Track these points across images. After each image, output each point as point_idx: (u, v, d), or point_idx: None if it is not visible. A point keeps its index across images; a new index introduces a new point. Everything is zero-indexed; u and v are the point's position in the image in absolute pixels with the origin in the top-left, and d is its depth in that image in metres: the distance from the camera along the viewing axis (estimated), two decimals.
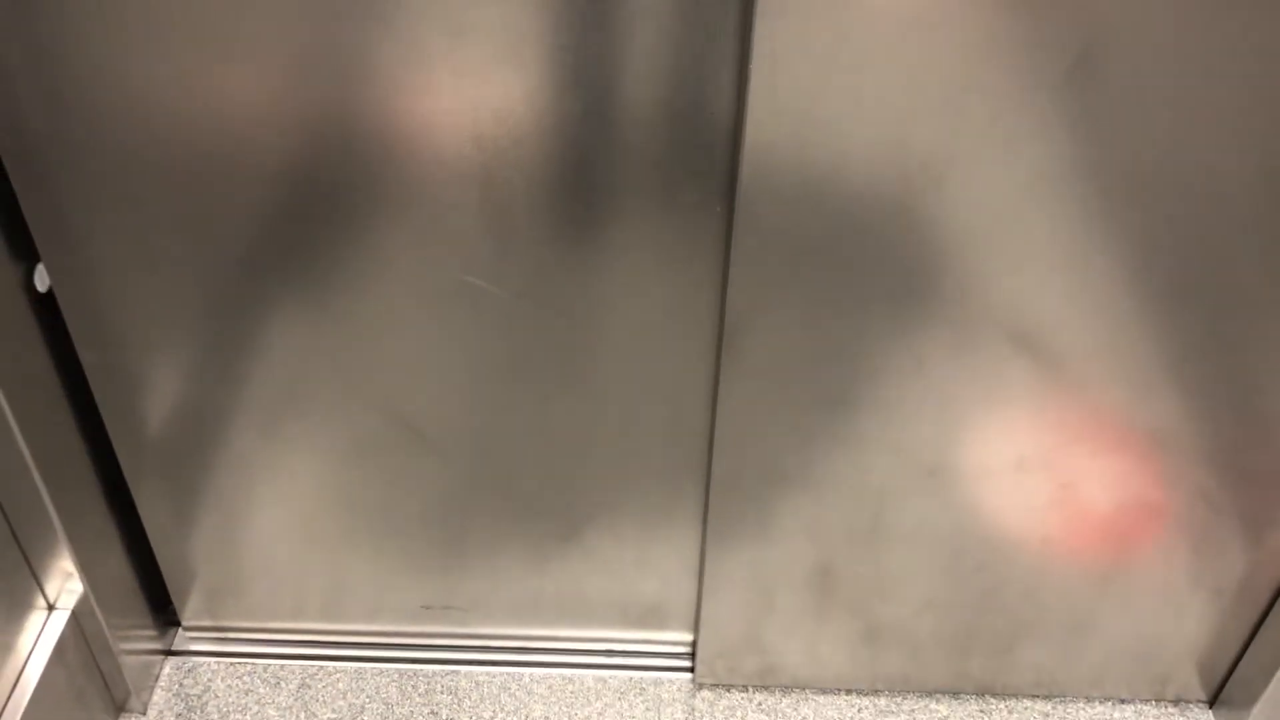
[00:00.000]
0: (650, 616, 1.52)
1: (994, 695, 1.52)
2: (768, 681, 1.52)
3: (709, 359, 1.22)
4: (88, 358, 1.24)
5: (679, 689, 1.52)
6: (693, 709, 1.50)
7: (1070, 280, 1.11)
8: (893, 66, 0.96)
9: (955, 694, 1.52)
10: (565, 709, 1.49)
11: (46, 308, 1.22)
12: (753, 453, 1.26)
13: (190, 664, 1.53)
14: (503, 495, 1.37)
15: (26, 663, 1.25)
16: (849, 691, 1.52)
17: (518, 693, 1.51)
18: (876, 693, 1.52)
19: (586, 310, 1.19)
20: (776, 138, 1.00)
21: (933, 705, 1.51)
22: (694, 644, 1.54)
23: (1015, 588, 1.37)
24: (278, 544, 1.42)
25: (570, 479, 1.35)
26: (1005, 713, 1.50)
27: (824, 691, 1.52)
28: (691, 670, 1.54)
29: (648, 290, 1.17)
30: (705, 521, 1.36)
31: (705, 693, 1.52)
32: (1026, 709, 1.50)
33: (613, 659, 1.55)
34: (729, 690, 1.52)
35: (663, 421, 1.29)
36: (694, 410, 1.27)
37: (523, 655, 1.55)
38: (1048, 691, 1.52)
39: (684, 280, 1.16)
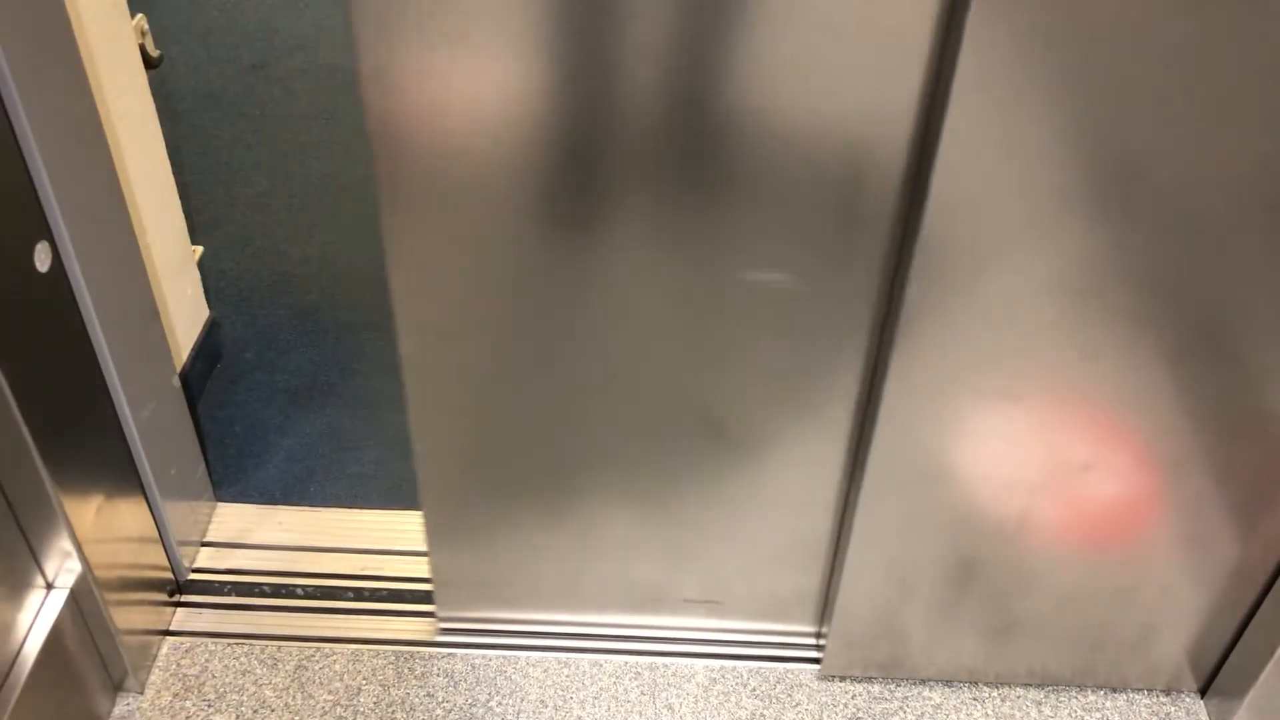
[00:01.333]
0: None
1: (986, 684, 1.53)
2: (893, 673, 1.52)
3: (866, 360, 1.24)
4: (407, 348, 1.24)
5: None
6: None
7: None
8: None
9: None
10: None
11: (47, 287, 1.22)
12: (910, 449, 1.26)
13: (188, 644, 1.53)
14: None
15: (24, 642, 1.25)
16: (973, 683, 1.53)
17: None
18: (1001, 684, 1.53)
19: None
20: None
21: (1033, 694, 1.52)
22: (818, 635, 1.55)
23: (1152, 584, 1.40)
24: (542, 540, 1.44)
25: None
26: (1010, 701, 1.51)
27: (948, 683, 1.53)
28: (817, 661, 1.54)
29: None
30: (845, 515, 1.37)
31: (831, 683, 1.52)
32: (1019, 696, 1.51)
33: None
34: (854, 681, 1.52)
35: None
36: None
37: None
38: (1040, 680, 1.53)
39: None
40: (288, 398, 1.93)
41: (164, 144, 1.75)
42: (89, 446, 1.35)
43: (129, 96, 1.61)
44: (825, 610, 1.50)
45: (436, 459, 1.35)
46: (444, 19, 0.99)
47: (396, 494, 1.77)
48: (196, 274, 1.91)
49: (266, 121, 2.60)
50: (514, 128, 1.06)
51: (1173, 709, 1.51)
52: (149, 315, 1.48)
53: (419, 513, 1.74)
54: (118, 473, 1.41)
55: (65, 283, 1.25)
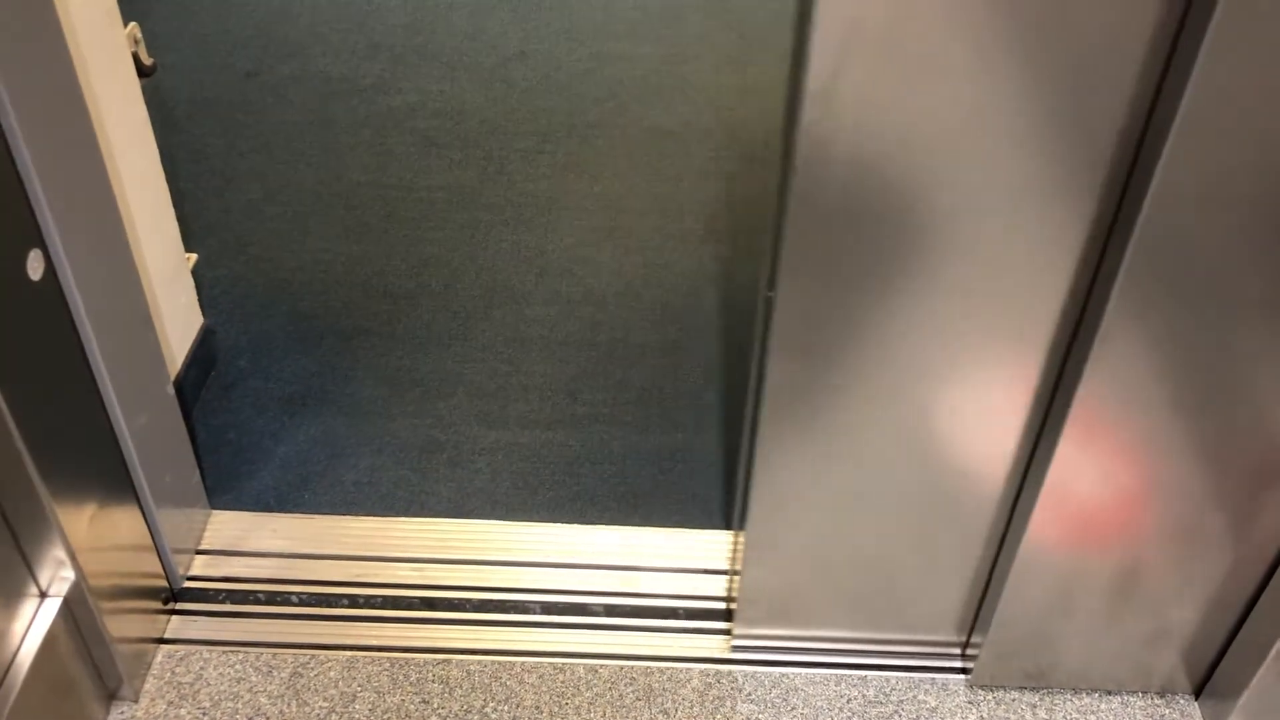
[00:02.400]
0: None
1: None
2: (1041, 683, 1.52)
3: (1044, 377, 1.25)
4: (778, 368, 1.24)
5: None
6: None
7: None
8: None
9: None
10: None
11: (40, 295, 1.22)
12: (1093, 462, 1.26)
13: (183, 652, 1.53)
14: None
15: (18, 650, 1.25)
16: (1123, 692, 1.53)
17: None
18: (1149, 693, 1.53)
19: None
20: None
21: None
22: (965, 644, 1.54)
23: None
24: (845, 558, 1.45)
25: None
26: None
27: (1096, 692, 1.53)
28: (965, 671, 1.53)
29: None
30: (1011, 528, 1.37)
31: (980, 692, 1.51)
32: (1014, 700, 1.51)
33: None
34: (1004, 690, 1.52)
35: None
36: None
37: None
38: (1035, 684, 1.53)
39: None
40: (282, 405, 1.93)
41: (157, 152, 1.75)
42: (82, 455, 1.35)
43: (122, 105, 1.61)
44: (977, 620, 1.50)
45: (774, 478, 1.35)
46: (906, 44, 0.99)
47: (391, 501, 1.77)
48: (190, 281, 1.91)
49: (261, 129, 2.60)
50: (957, 156, 1.06)
51: (1167, 711, 1.51)
52: (142, 323, 1.48)
53: (413, 519, 1.75)
54: (111, 481, 1.41)
55: (58, 291, 1.25)
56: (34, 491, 1.24)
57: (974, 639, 1.51)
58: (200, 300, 1.95)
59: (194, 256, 2.06)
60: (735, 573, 1.54)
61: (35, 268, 1.20)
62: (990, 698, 1.51)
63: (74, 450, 1.32)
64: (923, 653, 1.55)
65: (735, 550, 1.59)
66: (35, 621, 1.28)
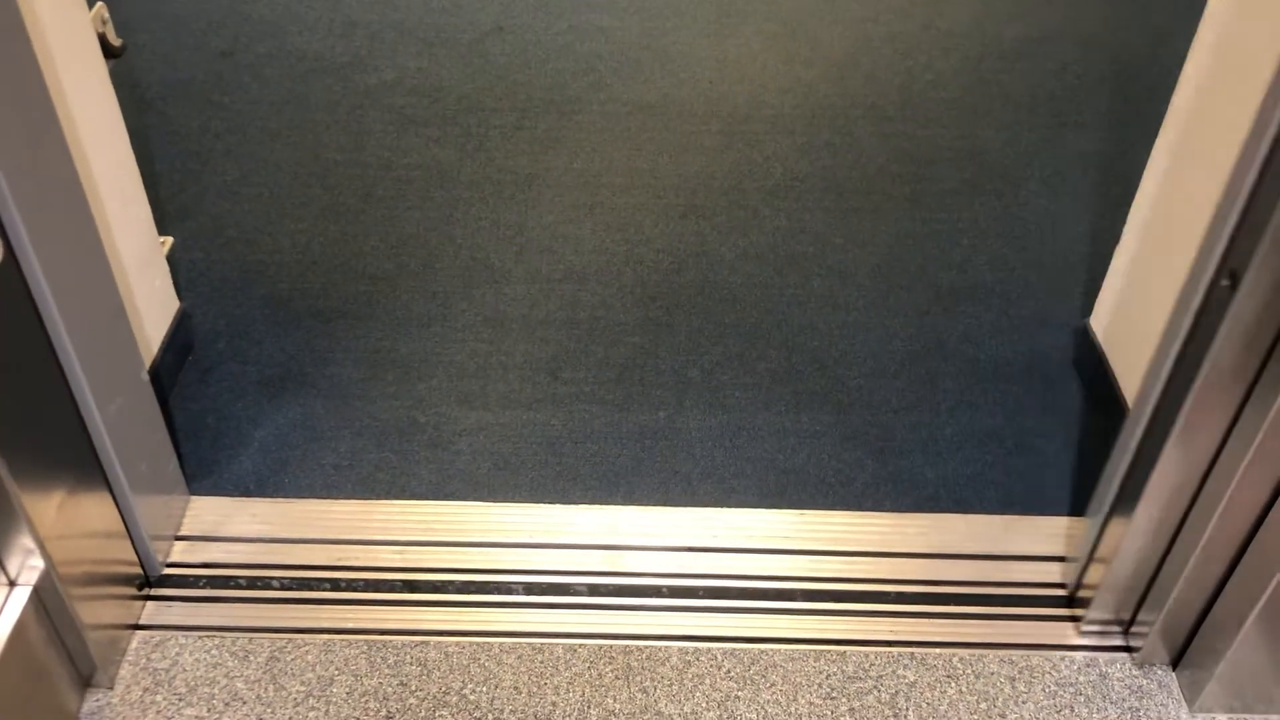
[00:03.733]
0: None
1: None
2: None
3: None
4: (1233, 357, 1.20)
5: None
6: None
7: None
8: None
9: None
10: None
11: (7, 275, 1.20)
12: None
13: (158, 638, 1.52)
14: None
15: None
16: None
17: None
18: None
19: None
20: None
21: None
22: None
23: None
24: None
25: None
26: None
27: None
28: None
29: None
30: None
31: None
32: (942, 656, 1.51)
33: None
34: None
35: None
36: None
37: None
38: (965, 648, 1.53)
39: None
40: (260, 389, 1.92)
41: (126, 135, 1.72)
42: (51, 443, 1.33)
43: (89, 87, 1.58)
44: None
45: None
46: None
47: (371, 484, 1.76)
48: (165, 265, 1.89)
49: (236, 109, 2.58)
50: None
51: (1144, 681, 1.51)
52: (114, 309, 1.46)
53: (394, 502, 1.73)
54: (82, 468, 1.40)
55: (21, 278, 1.24)
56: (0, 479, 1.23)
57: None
58: (176, 284, 1.93)
59: (169, 240, 2.04)
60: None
61: None
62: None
63: (41, 438, 1.31)
64: None
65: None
66: (4, 610, 1.27)
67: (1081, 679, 1.51)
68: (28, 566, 1.30)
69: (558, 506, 1.75)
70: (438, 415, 1.88)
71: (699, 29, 2.91)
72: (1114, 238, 1.88)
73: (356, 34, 2.83)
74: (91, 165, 1.60)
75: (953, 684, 1.50)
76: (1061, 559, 1.67)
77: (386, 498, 1.74)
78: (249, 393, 1.90)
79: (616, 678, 1.49)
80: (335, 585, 1.60)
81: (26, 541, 1.28)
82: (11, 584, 1.29)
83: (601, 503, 1.75)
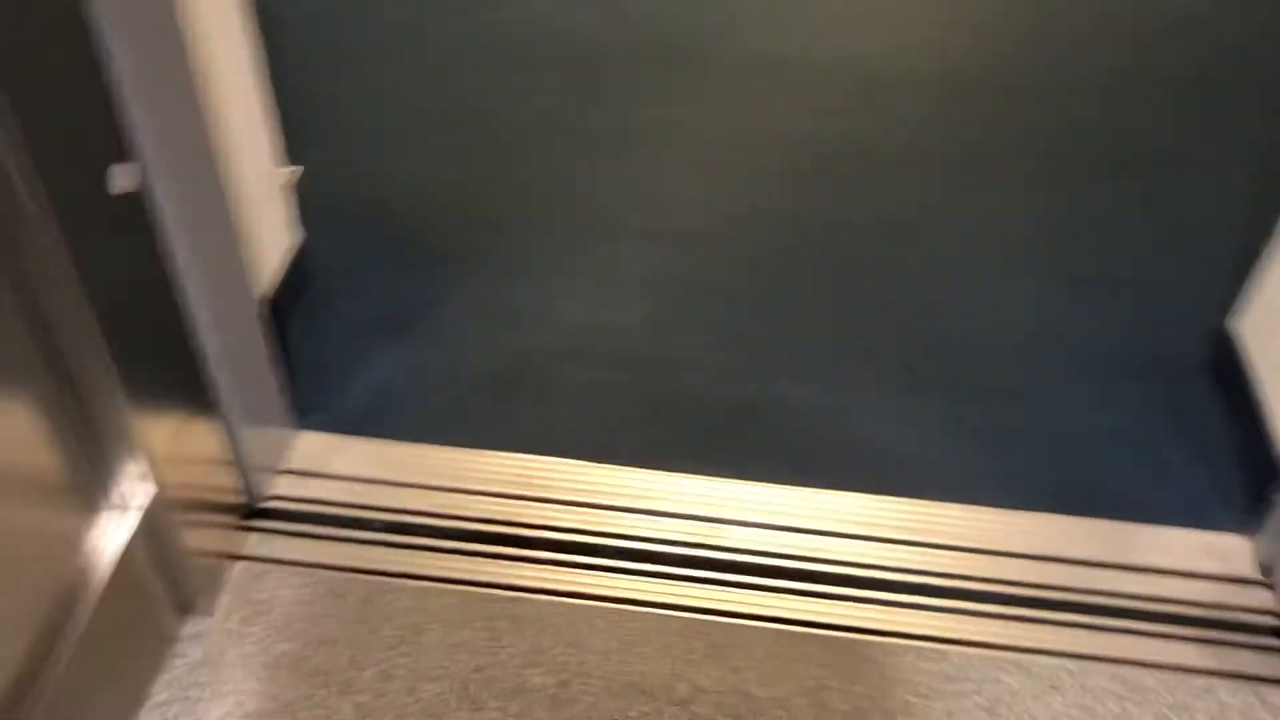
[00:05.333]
0: None
1: None
2: None
3: None
4: None
5: None
6: None
7: None
8: None
9: None
10: None
11: (127, 208, 1.20)
12: None
13: (258, 569, 1.54)
14: None
15: (96, 562, 1.26)
16: None
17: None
18: None
19: None
20: None
21: None
22: None
23: None
24: None
25: None
26: None
27: None
28: None
29: None
30: None
31: None
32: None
33: None
34: None
35: None
36: None
37: None
38: None
39: None
40: (373, 328, 1.92)
41: (258, 61, 1.72)
42: (167, 369, 1.35)
43: (220, 10, 1.58)
44: None
45: None
46: None
47: (473, 433, 1.75)
48: (288, 196, 1.89)
49: (368, 37, 2.57)
50: None
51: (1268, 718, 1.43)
52: (232, 238, 1.46)
53: (496, 453, 1.72)
54: (195, 396, 1.41)
55: (145, 204, 1.24)
56: (116, 404, 1.24)
57: None
58: (300, 214, 1.93)
59: (299, 169, 2.04)
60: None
61: (122, 180, 1.18)
62: None
63: (156, 363, 1.32)
64: None
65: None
66: (113, 533, 1.29)
67: (1197, 704, 1.43)
68: (138, 490, 1.32)
69: (658, 473, 1.71)
70: (544, 369, 1.86)
71: None
72: (1268, 234, 1.76)
73: None
74: (219, 88, 1.60)
75: (1057, 696, 1.44)
76: (1191, 574, 1.58)
77: (488, 448, 1.73)
78: (361, 331, 1.91)
79: (707, 654, 1.47)
80: (432, 532, 1.60)
81: (137, 465, 1.30)
82: (122, 507, 1.31)
83: (703, 473, 1.71)
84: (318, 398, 1.79)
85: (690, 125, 2.37)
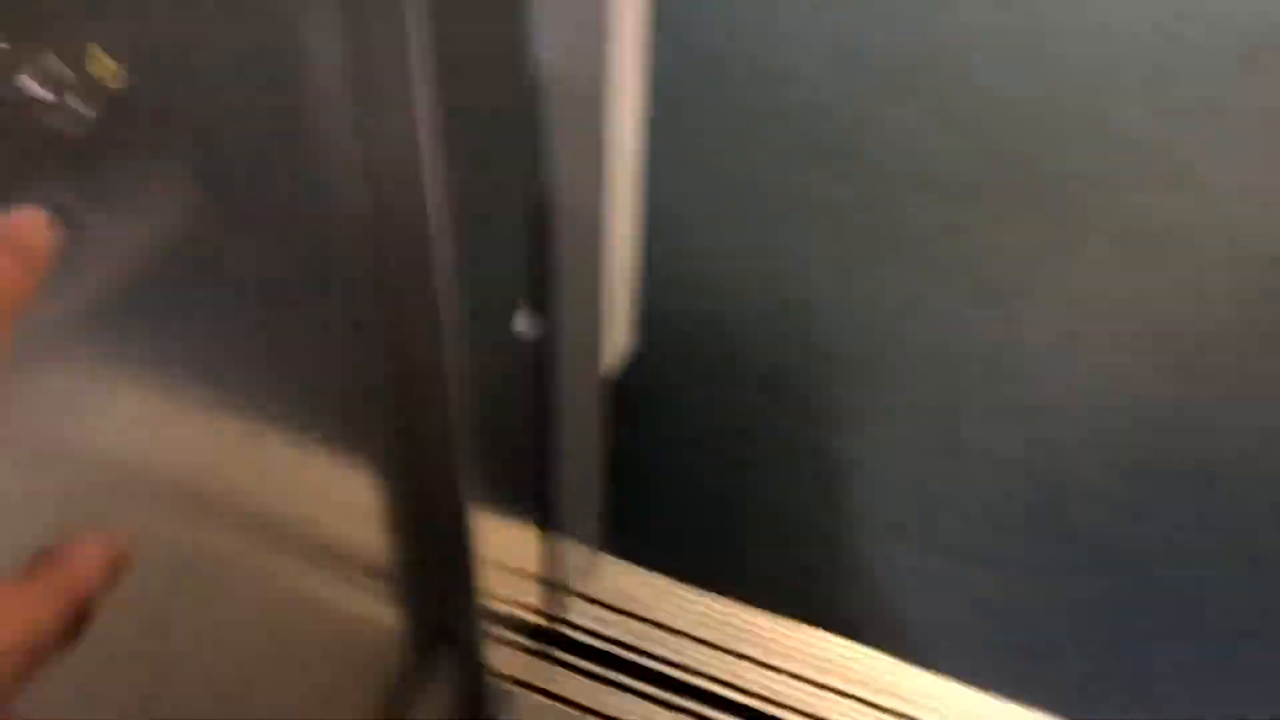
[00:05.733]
0: None
1: None
2: None
3: None
4: None
5: None
6: None
7: None
8: None
9: None
10: None
11: (524, 351, 1.14)
12: None
13: (536, 702, 1.45)
14: None
15: (399, 658, 1.20)
16: None
17: None
18: None
19: None
20: None
21: None
22: None
23: None
24: None
25: None
26: None
27: None
28: None
29: None
30: None
31: None
32: None
33: None
34: None
35: None
36: None
37: None
38: None
39: None
40: (698, 447, 1.82)
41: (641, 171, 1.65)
42: (509, 469, 1.28)
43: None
44: None
45: None
46: None
47: (778, 592, 1.61)
48: (636, 288, 1.82)
49: (752, 112, 2.50)
50: None
51: None
52: (592, 345, 1.39)
53: (809, 630, 1.57)
54: (528, 502, 1.35)
55: (541, 348, 1.18)
56: (457, 492, 1.17)
57: None
58: (645, 303, 1.86)
59: (645, 249, 1.98)
60: None
61: (523, 324, 1.12)
62: None
63: (502, 463, 1.25)
64: None
65: None
66: (421, 632, 1.23)
67: None
68: (457, 594, 1.25)
69: (973, 690, 1.52)
70: (860, 536, 1.70)
71: (1244, 147, 2.51)
72: None
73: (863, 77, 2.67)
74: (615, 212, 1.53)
75: None
76: None
77: (791, 615, 1.59)
78: (685, 448, 1.81)
79: None
80: (729, 707, 1.47)
81: (463, 564, 1.23)
82: (436, 606, 1.24)
83: (1033, 703, 1.50)
84: (627, 519, 1.70)
85: (1063, 284, 2.16)
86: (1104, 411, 1.94)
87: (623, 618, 1.57)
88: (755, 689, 1.49)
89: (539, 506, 1.39)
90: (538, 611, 1.48)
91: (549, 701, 1.45)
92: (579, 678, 1.49)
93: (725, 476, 1.77)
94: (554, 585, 1.49)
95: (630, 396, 1.89)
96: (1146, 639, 1.59)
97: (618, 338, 1.78)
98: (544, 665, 1.50)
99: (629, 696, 1.47)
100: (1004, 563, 1.68)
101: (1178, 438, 1.90)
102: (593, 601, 1.58)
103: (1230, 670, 1.59)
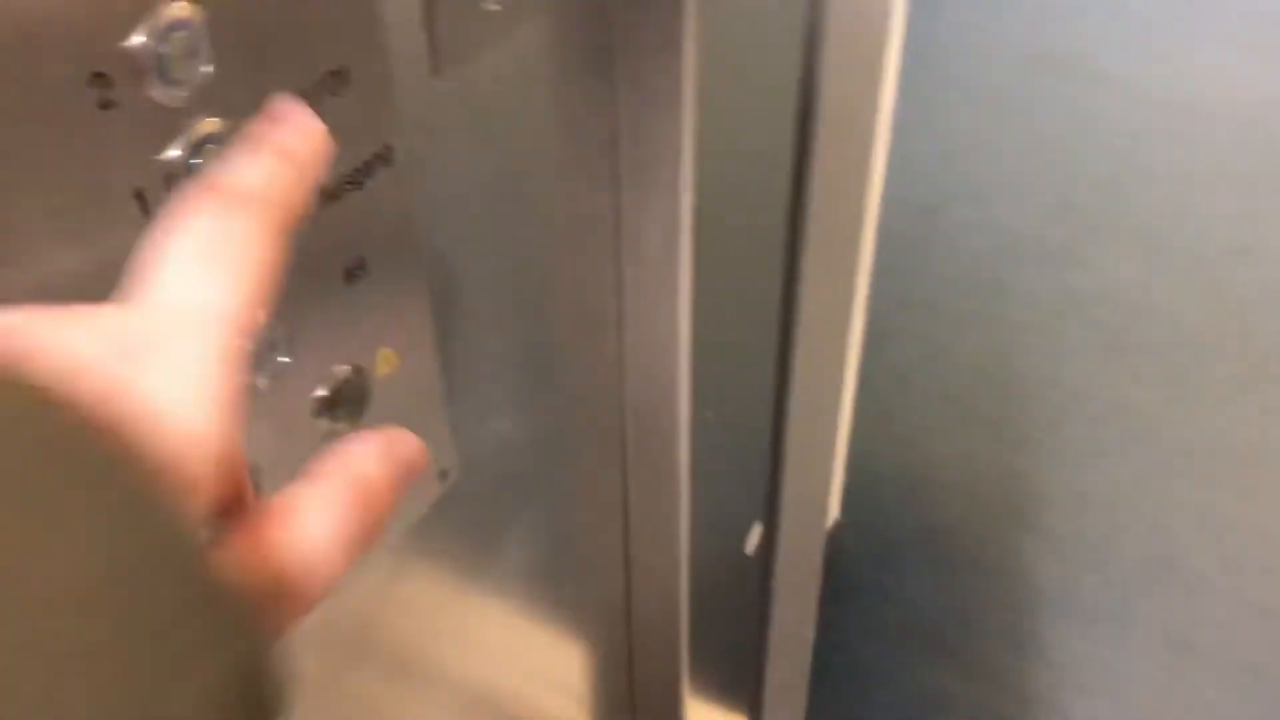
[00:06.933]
0: None
1: None
2: None
3: None
4: None
5: None
6: None
7: None
8: None
9: None
10: None
11: (751, 572, 1.10)
12: None
13: None
14: None
15: None
16: None
17: None
18: None
19: None
20: None
21: None
22: None
23: None
24: None
25: None
26: None
27: None
28: None
29: None
30: None
31: None
32: None
33: None
34: None
35: None
36: None
37: None
38: None
39: None
40: (898, 638, 1.73)
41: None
42: (725, 665, 1.24)
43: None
44: None
45: None
46: None
47: None
48: (840, 469, 1.76)
49: (929, 280, 2.42)
50: None
51: None
52: (818, 550, 1.34)
53: None
54: (734, 698, 1.30)
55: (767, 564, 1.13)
56: (672, 690, 1.13)
57: None
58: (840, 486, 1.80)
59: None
60: None
61: (752, 544, 1.08)
62: None
63: (720, 656, 1.21)
64: None
65: None
66: None
67: None
68: None
69: None
70: None
71: None
72: None
73: (1071, 218, 2.56)
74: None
75: None
76: None
77: None
78: (884, 640, 1.72)
79: None
80: None
81: None
82: None
83: None
84: (833, 714, 1.62)
85: None
86: None
87: None
88: None
89: (751, 703, 1.34)
90: None
91: None
92: None
93: (928, 662, 1.67)
94: None
95: (835, 569, 1.81)
96: None
97: (822, 508, 1.72)
98: None
99: None
100: None
101: None
102: None
103: None
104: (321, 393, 0.49)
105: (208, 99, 0.38)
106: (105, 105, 0.34)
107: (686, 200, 0.69)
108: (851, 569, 1.83)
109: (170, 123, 0.37)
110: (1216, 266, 2.41)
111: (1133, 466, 1.99)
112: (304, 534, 0.30)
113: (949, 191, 2.67)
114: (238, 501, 0.30)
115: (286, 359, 0.46)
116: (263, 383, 0.45)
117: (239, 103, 0.38)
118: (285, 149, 0.32)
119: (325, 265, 0.47)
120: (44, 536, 0.22)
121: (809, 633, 1.42)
